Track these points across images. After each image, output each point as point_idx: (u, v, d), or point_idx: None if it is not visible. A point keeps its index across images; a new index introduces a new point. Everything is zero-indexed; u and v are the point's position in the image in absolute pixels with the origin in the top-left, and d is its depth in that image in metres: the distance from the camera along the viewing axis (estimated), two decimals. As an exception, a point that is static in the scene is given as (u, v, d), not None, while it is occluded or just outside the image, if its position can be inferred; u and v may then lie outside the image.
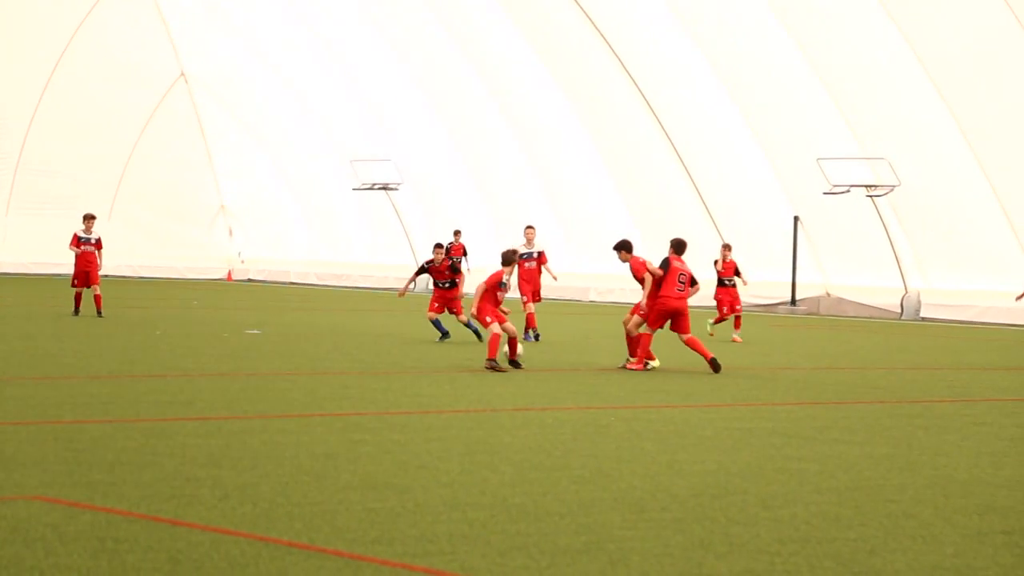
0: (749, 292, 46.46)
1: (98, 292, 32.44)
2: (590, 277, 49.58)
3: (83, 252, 32.90)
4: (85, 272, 32.74)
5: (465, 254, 40.65)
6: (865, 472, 12.10)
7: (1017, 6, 37.19)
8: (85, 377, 18.43)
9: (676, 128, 46.51)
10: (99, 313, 31.88)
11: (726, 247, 32.44)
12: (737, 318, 31.43)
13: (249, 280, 62.53)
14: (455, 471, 11.45)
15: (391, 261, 56.62)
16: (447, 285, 27.41)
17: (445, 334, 27.13)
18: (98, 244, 33.18)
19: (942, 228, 41.63)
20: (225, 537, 8.68)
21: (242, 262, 63.92)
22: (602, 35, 46.06)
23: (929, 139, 40.82)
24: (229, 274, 63.33)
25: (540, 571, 8.05)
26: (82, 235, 33.13)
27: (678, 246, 22.55)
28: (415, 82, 53.40)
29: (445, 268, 27.43)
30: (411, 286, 28.83)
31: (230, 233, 64.96)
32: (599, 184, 49.85)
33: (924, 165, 41.25)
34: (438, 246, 28.02)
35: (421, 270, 27.76)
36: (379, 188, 55.99)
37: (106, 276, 57.45)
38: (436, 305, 27.39)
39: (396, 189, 55.84)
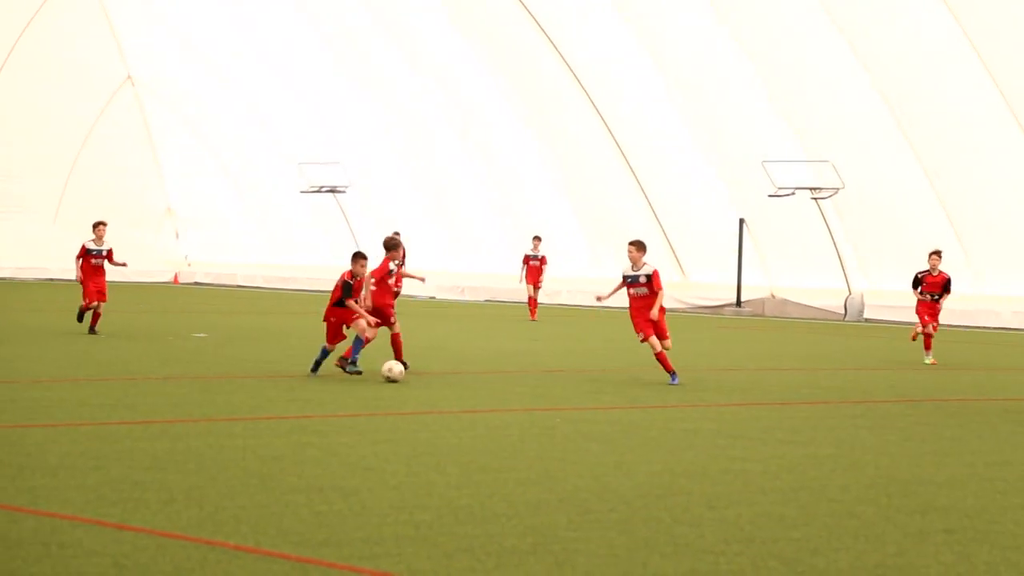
0: (694, 294, 46.71)
1: (101, 310, 27.97)
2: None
3: (94, 267, 28.02)
4: (98, 288, 27.82)
5: (404, 257, 40.62)
6: (809, 472, 12.19)
7: (958, 10, 37.53)
8: (28, 381, 18.31)
9: (624, 132, 46.65)
10: (93, 330, 27.56)
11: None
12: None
13: (196, 283, 62.23)
14: (401, 473, 11.47)
15: (339, 264, 56.49)
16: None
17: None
18: (110, 256, 28.27)
19: (885, 230, 41.96)
20: (171, 541, 8.67)
21: (189, 265, 63.62)
22: (550, 39, 46.16)
23: (872, 142, 41.15)
24: (176, 277, 63.01)
25: (486, 572, 8.08)
26: (92, 246, 28.12)
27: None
28: (361, 85, 53.32)
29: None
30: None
31: (177, 236, 64.66)
32: (546, 187, 49.96)
33: (867, 168, 41.57)
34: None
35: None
36: (326, 191, 55.85)
37: (52, 280, 57.17)
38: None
39: (343, 192, 55.72)
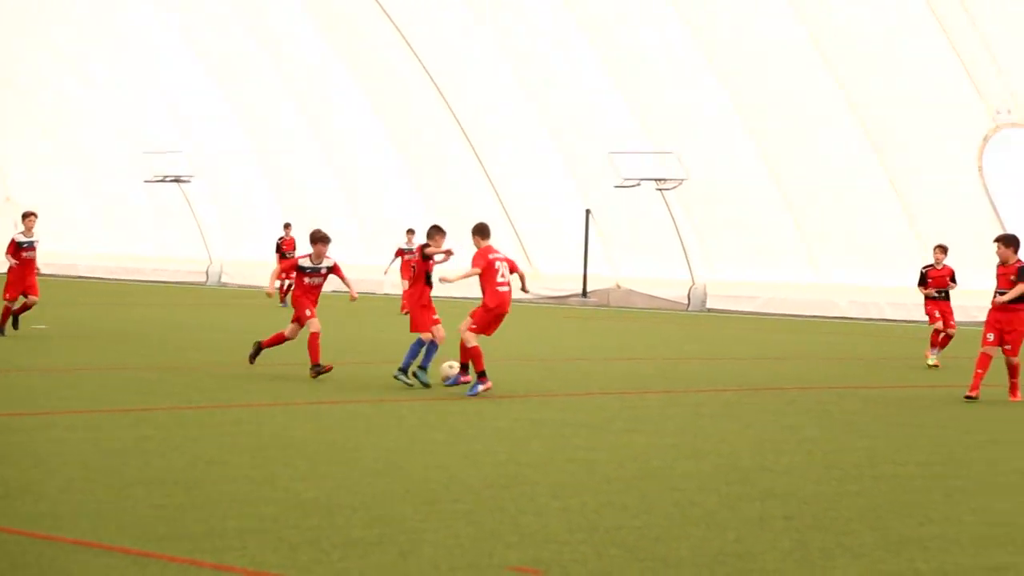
0: (542, 284, 46.95)
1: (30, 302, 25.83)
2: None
3: (25, 260, 26.22)
4: (21, 282, 25.85)
5: (294, 248, 40.37)
6: (652, 461, 12.34)
7: (800, 5, 38.20)
8: None
9: (472, 123, 46.70)
10: (15, 324, 25.52)
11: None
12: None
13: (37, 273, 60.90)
14: (246, 466, 11.37)
15: (184, 255, 55.81)
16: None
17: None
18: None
19: (729, 221, 42.56)
20: (7, 536, 8.50)
21: None
22: (400, 32, 46.04)
23: (717, 134, 41.71)
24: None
25: (331, 564, 8.05)
26: (22, 239, 26.54)
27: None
28: (209, 73, 52.66)
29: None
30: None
31: (15, 226, 63.25)
32: (396, 178, 49.84)
33: (712, 159, 42.14)
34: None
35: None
36: (171, 180, 55.08)
37: None
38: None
39: (188, 181, 55.00)
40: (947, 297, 24.84)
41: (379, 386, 18.24)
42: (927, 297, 24.86)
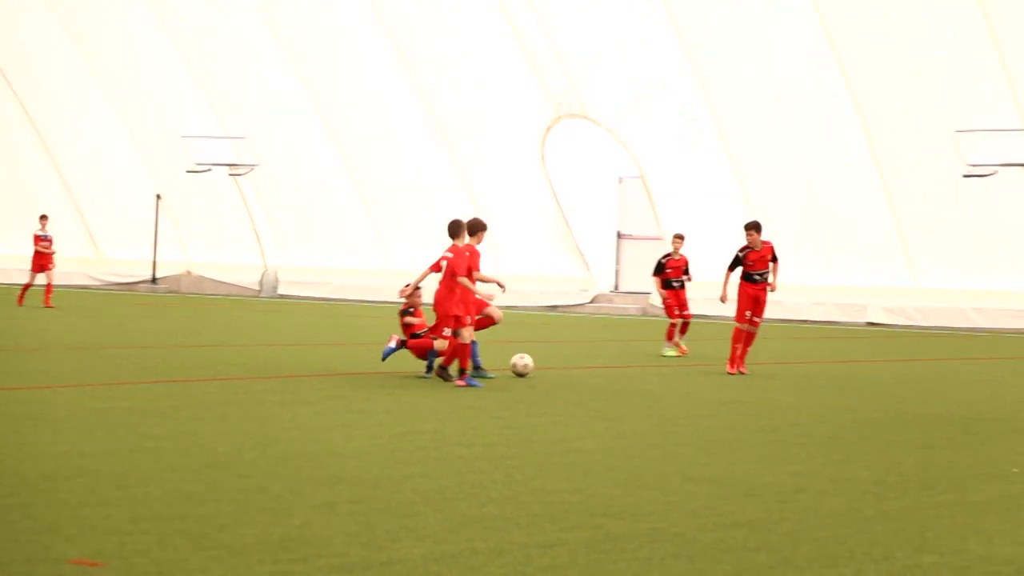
0: (108, 271, 45.84)
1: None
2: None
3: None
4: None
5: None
6: (220, 448, 12.25)
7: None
8: None
9: (40, 105, 45.17)
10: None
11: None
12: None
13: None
14: None
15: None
16: None
17: None
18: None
19: (301, 207, 42.68)
20: None
21: None
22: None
23: (289, 120, 41.74)
24: None
25: None
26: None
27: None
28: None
29: None
30: None
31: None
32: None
33: (285, 146, 42.15)
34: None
35: None
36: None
37: None
38: None
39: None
40: (683, 286, 25.21)
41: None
42: (665, 286, 25.16)
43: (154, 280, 45.00)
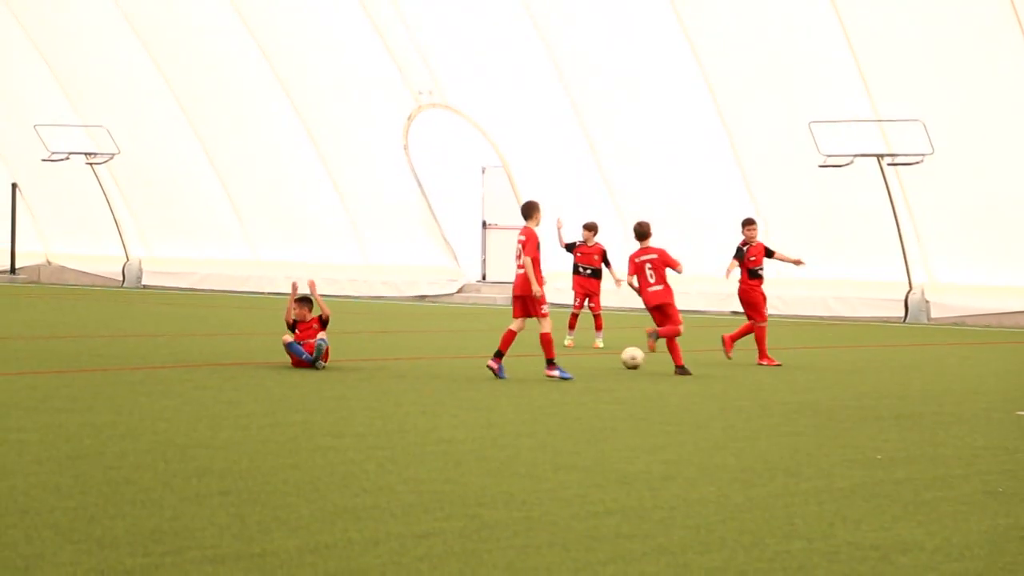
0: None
1: None
2: None
3: None
4: None
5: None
6: (86, 440, 12.07)
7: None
8: None
9: None
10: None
11: None
12: None
13: None
14: None
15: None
16: None
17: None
18: None
19: (163, 197, 42.22)
20: None
21: None
22: None
23: (149, 109, 41.25)
24: None
25: None
26: None
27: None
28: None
29: None
30: None
31: None
32: None
33: (144, 135, 41.67)
34: None
35: None
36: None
37: None
38: None
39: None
40: (595, 275, 24.58)
41: None
42: (574, 272, 24.71)
43: (13, 271, 44.20)
